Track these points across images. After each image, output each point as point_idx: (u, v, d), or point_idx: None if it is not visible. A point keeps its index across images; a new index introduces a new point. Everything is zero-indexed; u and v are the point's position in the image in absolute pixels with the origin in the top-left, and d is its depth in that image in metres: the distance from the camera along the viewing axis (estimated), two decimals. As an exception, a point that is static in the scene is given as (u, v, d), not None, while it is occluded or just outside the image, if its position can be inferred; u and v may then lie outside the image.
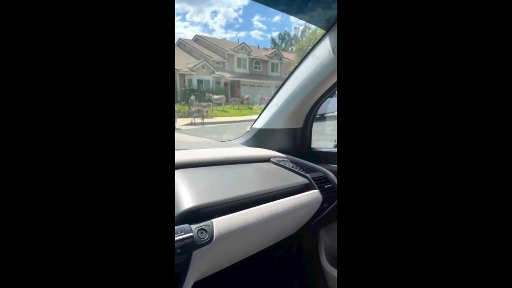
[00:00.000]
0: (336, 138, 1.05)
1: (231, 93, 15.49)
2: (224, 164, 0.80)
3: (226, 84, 15.83)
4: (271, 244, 0.79)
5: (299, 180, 0.81)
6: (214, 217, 0.54)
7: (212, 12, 74.95)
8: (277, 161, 0.92)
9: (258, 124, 1.05)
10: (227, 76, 15.71)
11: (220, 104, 12.80)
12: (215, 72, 15.14)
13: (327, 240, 1.01)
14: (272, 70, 18.79)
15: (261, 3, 0.75)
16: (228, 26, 70.03)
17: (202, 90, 13.90)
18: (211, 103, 11.31)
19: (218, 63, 16.07)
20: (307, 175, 0.84)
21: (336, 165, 0.98)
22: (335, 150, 1.03)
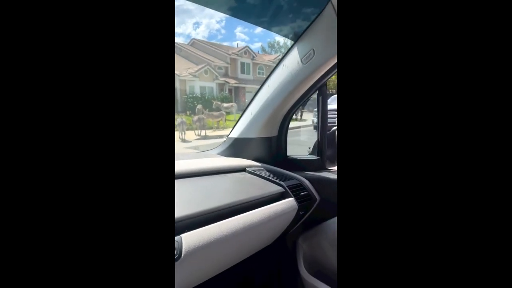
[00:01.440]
0: (310, 145, 1.07)
1: (236, 101, 14.98)
2: (199, 176, 0.80)
3: (230, 90, 15.04)
4: (247, 256, 0.78)
5: (274, 188, 0.82)
6: (183, 232, 0.53)
7: (195, 23, 76.55)
8: (253, 170, 0.93)
9: (234, 134, 1.06)
10: (233, 82, 14.83)
11: (230, 113, 11.78)
12: (219, 77, 14.26)
13: (306, 247, 0.99)
14: None
15: (234, 16, 0.82)
16: (211, 37, 71.00)
17: (206, 97, 13.00)
18: (223, 113, 10.46)
19: (220, 68, 15.28)
20: (282, 183, 0.85)
21: (311, 172, 0.99)
22: (310, 157, 1.04)
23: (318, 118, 0.99)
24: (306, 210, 0.92)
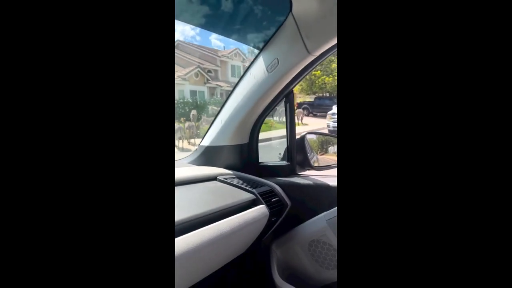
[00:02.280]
0: (280, 152, 1.09)
1: (227, 105, 14.53)
2: None
3: (222, 95, 14.88)
4: (220, 266, 0.78)
5: (246, 196, 0.83)
6: None
7: (170, 30, 77.61)
8: (224, 178, 0.94)
9: (205, 142, 1.08)
10: (225, 85, 14.72)
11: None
12: (210, 81, 14.18)
13: (279, 253, 1.01)
14: None
15: (201, 27, 0.97)
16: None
17: (198, 102, 12.83)
18: None
19: (209, 71, 15.14)
20: (253, 190, 0.87)
21: (282, 178, 1.02)
22: (281, 163, 1.07)
23: (286, 124, 1.01)
24: (278, 216, 0.94)
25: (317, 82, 16.69)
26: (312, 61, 0.86)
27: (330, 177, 1.01)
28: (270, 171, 1.04)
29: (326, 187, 0.96)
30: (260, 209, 0.82)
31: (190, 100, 12.93)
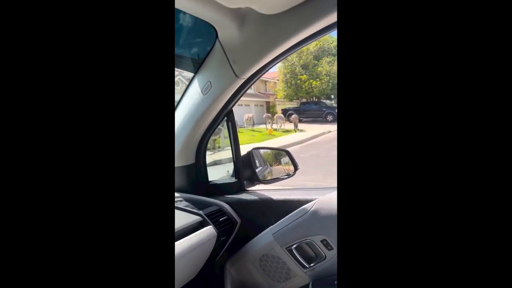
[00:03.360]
0: (229, 169, 1.12)
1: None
2: None
3: None
4: None
5: (192, 219, 0.84)
6: None
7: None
8: None
9: None
10: None
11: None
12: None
13: (233, 272, 1.03)
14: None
15: None
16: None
17: None
18: (221, 128, 9.57)
19: (188, 79, 15.14)
20: (200, 212, 0.88)
21: (231, 196, 1.05)
22: (230, 180, 1.10)
23: (230, 141, 1.06)
24: (229, 234, 0.96)
25: (303, 86, 16.76)
26: (244, 82, 0.91)
27: (276, 191, 1.05)
28: (220, 190, 1.07)
29: (270, 201, 1.00)
30: (207, 231, 0.84)
31: (174, 111, 12.81)
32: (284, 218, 0.90)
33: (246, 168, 1.08)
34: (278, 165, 1.22)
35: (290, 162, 1.12)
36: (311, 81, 16.44)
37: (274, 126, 12.61)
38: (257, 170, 1.11)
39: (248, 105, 16.76)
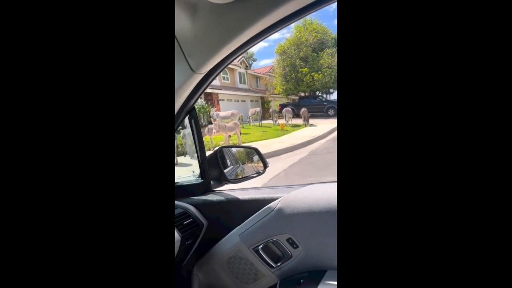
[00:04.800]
0: (194, 169, 1.11)
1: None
2: None
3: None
4: None
5: None
6: None
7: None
8: None
9: None
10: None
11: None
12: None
13: (201, 276, 1.02)
14: (241, 82, 17.65)
15: None
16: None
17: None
18: (237, 122, 8.82)
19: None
20: None
21: (198, 197, 1.03)
22: (196, 181, 1.08)
23: (194, 140, 1.03)
24: (195, 237, 0.94)
25: (304, 79, 16.53)
26: (204, 77, 0.88)
27: (243, 190, 1.03)
28: (185, 191, 1.05)
29: (237, 201, 0.98)
30: None
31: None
32: (250, 218, 0.89)
33: (213, 168, 1.06)
34: (249, 163, 1.20)
35: (259, 160, 1.10)
36: (312, 73, 16.14)
37: (281, 121, 12.32)
38: (226, 170, 1.09)
39: (244, 101, 16.55)
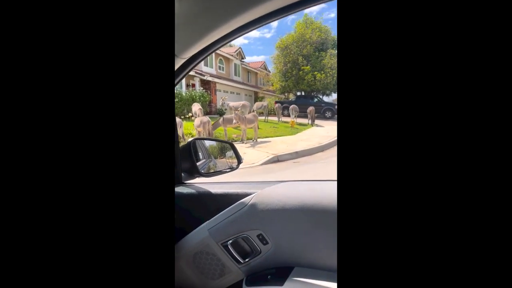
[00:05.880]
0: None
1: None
2: None
3: (194, 85, 13.07)
4: None
5: None
6: None
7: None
8: None
9: None
10: (207, 75, 14.08)
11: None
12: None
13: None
14: (235, 74, 17.34)
15: None
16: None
17: (188, 95, 10.70)
18: (256, 114, 8.22)
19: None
20: None
21: None
22: None
23: None
24: None
25: (306, 78, 16.37)
26: (186, 63, 0.86)
27: (216, 184, 1.03)
28: None
29: (209, 195, 0.97)
30: None
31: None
32: (221, 213, 0.88)
33: (185, 160, 1.04)
34: (222, 158, 1.19)
35: (234, 155, 1.09)
36: (315, 73, 16.01)
37: (285, 118, 12.14)
38: (199, 163, 1.08)
39: (239, 94, 16.31)
